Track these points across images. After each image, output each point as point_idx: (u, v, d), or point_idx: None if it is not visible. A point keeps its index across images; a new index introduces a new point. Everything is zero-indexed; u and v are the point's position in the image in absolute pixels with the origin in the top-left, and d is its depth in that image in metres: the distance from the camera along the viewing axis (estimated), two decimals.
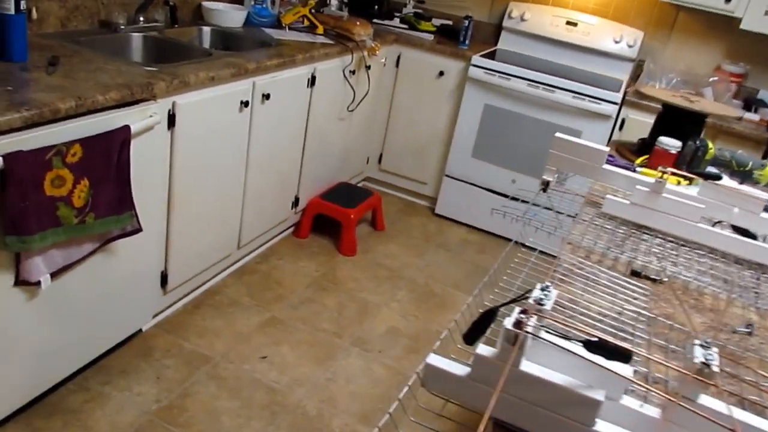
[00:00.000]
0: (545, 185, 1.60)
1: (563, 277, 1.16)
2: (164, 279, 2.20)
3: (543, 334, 0.71)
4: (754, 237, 1.48)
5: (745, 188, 1.42)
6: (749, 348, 1.07)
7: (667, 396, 0.74)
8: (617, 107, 3.20)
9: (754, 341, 1.10)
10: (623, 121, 3.26)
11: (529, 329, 0.70)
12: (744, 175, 1.89)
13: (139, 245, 1.98)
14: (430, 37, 3.63)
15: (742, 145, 3.08)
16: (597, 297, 1.12)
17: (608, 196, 1.49)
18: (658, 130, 2.09)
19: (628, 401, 0.76)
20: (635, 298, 1.16)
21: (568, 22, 3.60)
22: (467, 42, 3.56)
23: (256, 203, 2.64)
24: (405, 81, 3.61)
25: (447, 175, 3.64)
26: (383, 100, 3.67)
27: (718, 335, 1.10)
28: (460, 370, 0.77)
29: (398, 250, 3.28)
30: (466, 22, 3.51)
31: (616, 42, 3.56)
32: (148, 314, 2.19)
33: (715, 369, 0.70)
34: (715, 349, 0.73)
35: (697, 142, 1.86)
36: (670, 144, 1.87)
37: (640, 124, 3.23)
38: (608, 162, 1.76)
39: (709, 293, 1.25)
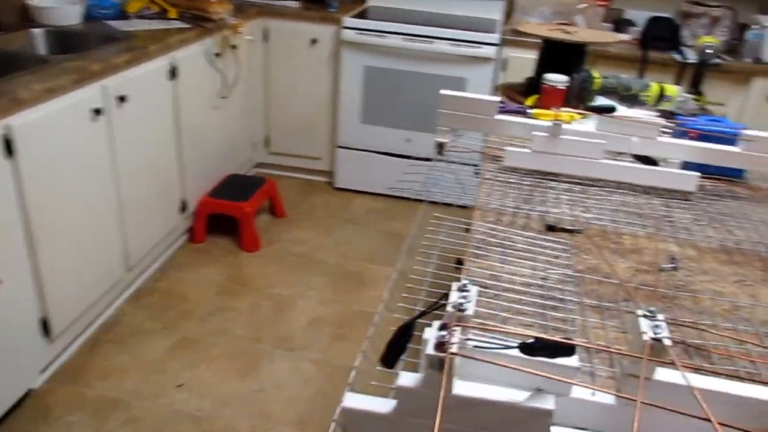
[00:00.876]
0: (440, 147, 1.50)
1: (478, 251, 1.06)
2: (46, 326, 1.94)
3: (472, 351, 0.60)
4: (655, 163, 1.44)
5: (640, 115, 1.37)
6: (678, 285, 1.02)
7: (615, 393, 0.65)
8: (497, 48, 3.14)
9: (682, 276, 1.05)
10: (506, 62, 3.21)
11: (454, 348, 0.58)
12: (631, 98, 1.86)
13: (5, 297, 1.72)
14: (296, 3, 3.42)
15: (618, 67, 3.11)
16: (518, 265, 1.03)
17: (507, 147, 1.40)
18: (542, 66, 2.02)
19: (579, 392, 0.67)
20: (556, 257, 1.07)
21: None
22: (336, 4, 3.38)
23: (137, 217, 2.40)
24: (277, 55, 3.40)
25: (339, 146, 3.50)
26: (258, 79, 3.45)
27: (646, 278, 1.03)
28: (383, 405, 0.65)
29: (305, 234, 3.12)
30: None
31: None
32: (35, 370, 1.94)
33: (668, 343, 0.62)
34: (661, 317, 0.65)
35: (583, 74, 1.81)
36: (557, 80, 1.80)
37: (523, 61, 3.19)
38: (500, 110, 1.68)
39: (626, 232, 1.18)
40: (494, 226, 1.15)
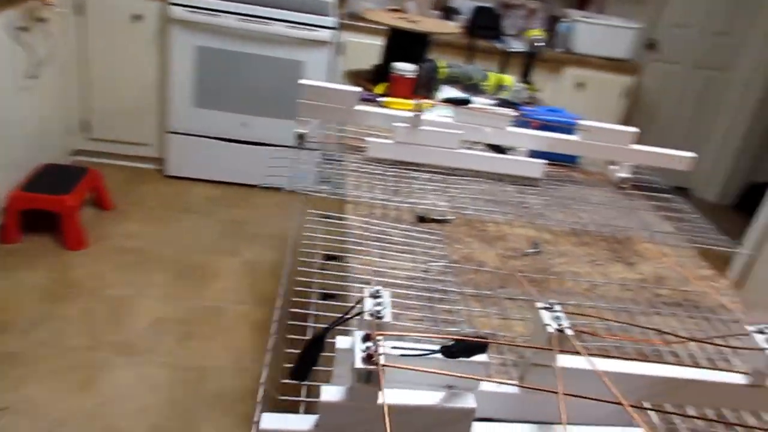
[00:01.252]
0: (301, 138, 1.46)
1: (359, 247, 1.05)
2: None
3: (400, 360, 0.59)
4: (504, 152, 1.53)
5: (493, 107, 1.44)
6: (543, 269, 1.09)
7: (519, 384, 0.68)
8: (334, 32, 3.13)
9: (544, 259, 1.13)
10: (343, 46, 3.21)
11: (382, 359, 0.57)
12: (473, 87, 1.95)
13: None
14: None
15: (448, 54, 3.25)
16: (398, 259, 1.04)
17: (369, 138, 1.40)
18: (389, 54, 2.05)
19: (486, 386, 0.69)
20: (432, 248, 1.10)
21: None
22: None
23: None
24: (95, 31, 3.09)
25: (170, 132, 3.29)
26: (74, 57, 3.12)
27: (515, 264, 1.09)
28: (303, 422, 0.62)
29: (138, 228, 2.90)
30: None
31: None
32: None
33: (570, 333, 0.66)
34: (559, 308, 0.69)
35: (430, 64, 1.86)
36: (406, 69, 1.84)
37: (361, 46, 3.22)
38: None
39: (489, 220, 1.25)
40: (369, 219, 1.15)
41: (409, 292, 0.95)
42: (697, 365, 0.89)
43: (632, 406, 0.57)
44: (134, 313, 2.35)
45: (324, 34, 3.11)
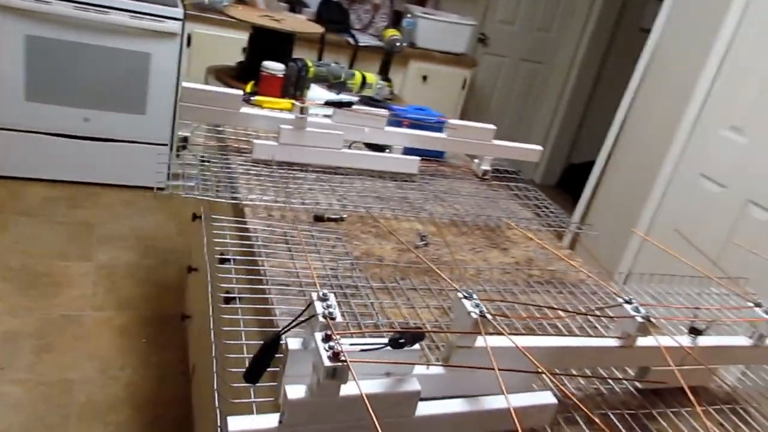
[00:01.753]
0: (184, 141, 1.45)
1: (267, 250, 1.09)
2: None
3: (358, 355, 0.66)
4: (382, 150, 1.63)
5: (370, 108, 1.53)
6: (434, 259, 1.21)
7: (449, 365, 0.79)
8: (181, 23, 3.04)
9: (433, 250, 1.25)
10: (189, 37, 3.13)
11: (346, 357, 0.63)
12: (340, 85, 2.03)
13: None
14: None
15: (300, 47, 3.30)
16: (307, 259, 1.10)
17: (256, 141, 1.43)
18: (253, 53, 2.06)
19: (416, 369, 0.78)
20: (334, 246, 1.17)
21: None
22: None
23: None
24: None
25: None
26: None
27: (409, 256, 1.20)
28: (267, 421, 0.67)
29: None
30: None
31: None
32: None
33: (490, 317, 0.77)
34: (476, 297, 0.80)
35: (299, 63, 1.91)
36: (275, 68, 1.87)
37: (206, 37, 3.16)
38: None
39: (379, 215, 1.34)
40: (270, 222, 1.19)
41: (324, 291, 1.02)
42: (585, 335, 1.05)
43: (546, 372, 0.70)
44: None
45: (172, 26, 3.01)
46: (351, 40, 3.35)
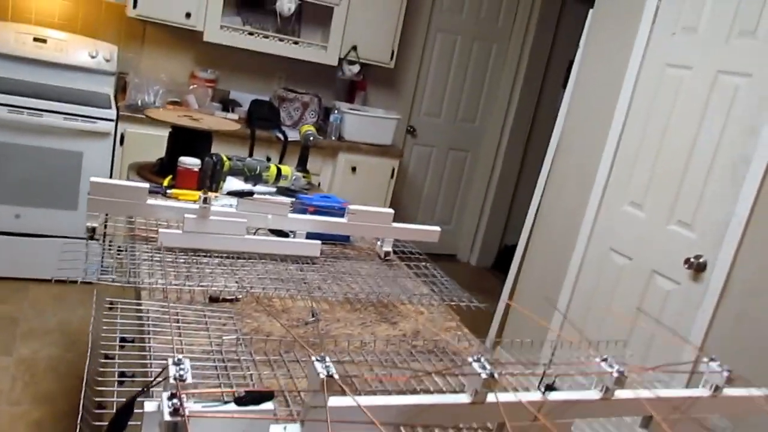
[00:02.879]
0: (92, 232, 1.53)
1: (155, 329, 1.17)
2: None
3: (203, 410, 0.74)
4: (286, 235, 1.74)
5: (273, 197, 1.65)
6: (321, 333, 1.30)
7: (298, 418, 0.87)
8: (113, 123, 3.17)
9: (323, 326, 1.34)
10: (123, 137, 3.26)
11: (188, 411, 0.71)
12: (256, 178, 2.16)
13: None
14: None
15: (232, 144, 3.46)
16: (194, 336, 1.17)
17: (161, 230, 1.52)
18: (173, 148, 2.19)
19: (274, 429, 0.86)
20: (224, 324, 1.25)
21: (35, 39, 3.34)
22: None
23: None
24: None
25: None
26: None
27: (298, 331, 1.29)
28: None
29: None
30: None
31: (92, 57, 3.48)
32: None
33: (336, 377, 0.86)
34: (329, 360, 0.89)
35: (214, 158, 2.04)
36: (191, 163, 1.99)
37: (140, 137, 3.29)
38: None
39: (275, 296, 1.43)
40: (163, 303, 1.27)
41: (206, 364, 1.09)
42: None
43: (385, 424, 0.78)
44: None
45: (103, 126, 3.13)
46: (281, 136, 3.52)
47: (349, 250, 1.85)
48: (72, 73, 3.47)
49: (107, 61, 3.52)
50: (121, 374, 1.27)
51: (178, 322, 1.21)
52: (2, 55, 3.30)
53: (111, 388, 1.00)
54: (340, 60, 3.85)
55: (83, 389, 0.95)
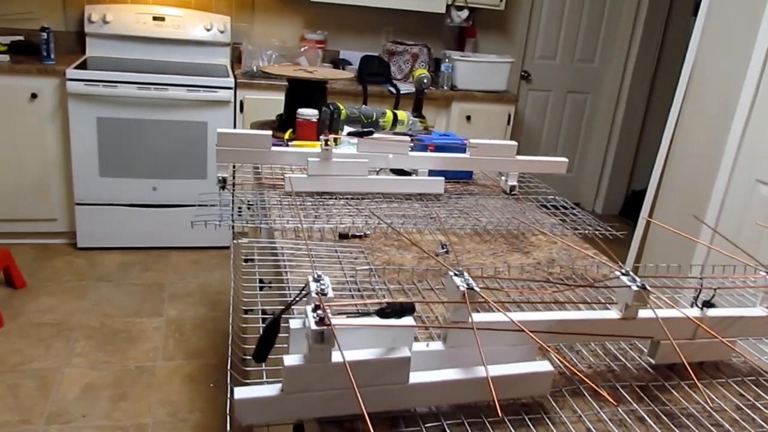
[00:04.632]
0: (223, 182, 1.58)
1: (291, 265, 1.18)
2: None
3: (347, 321, 0.73)
4: (408, 174, 1.71)
5: (392, 136, 1.63)
6: (453, 264, 1.26)
7: (445, 326, 0.84)
8: (232, 91, 3.28)
9: (453, 257, 1.30)
10: (242, 103, 3.36)
11: (333, 322, 0.70)
12: (373, 125, 2.14)
13: None
14: (4, 57, 3.14)
15: (345, 101, 3.47)
16: (328, 270, 1.18)
17: (287, 174, 1.54)
18: (290, 103, 2.21)
19: (417, 346, 0.84)
20: (356, 258, 1.24)
21: (154, 18, 3.51)
22: (52, 56, 3.19)
23: None
24: None
25: (78, 203, 3.28)
26: None
27: (429, 263, 1.26)
28: (270, 390, 0.74)
29: (55, 301, 2.87)
30: (45, 34, 3.13)
31: (208, 30, 3.61)
32: None
33: (477, 289, 0.82)
34: (467, 275, 0.85)
35: (331, 107, 2.04)
36: (309, 114, 2.00)
37: (257, 101, 3.38)
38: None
39: (403, 231, 1.41)
40: (297, 241, 1.28)
41: (342, 293, 1.09)
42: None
43: (541, 343, 0.74)
44: (62, 382, 2.33)
45: (224, 95, 3.25)
46: (392, 89, 3.50)
47: (472, 186, 1.79)
48: (190, 48, 3.62)
49: (221, 32, 3.63)
50: (263, 312, 1.31)
51: (309, 257, 1.22)
52: (125, 37, 3.50)
53: (254, 326, 1.02)
54: (448, 7, 3.74)
55: (230, 341, 0.98)
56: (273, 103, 3.39)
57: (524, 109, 4.50)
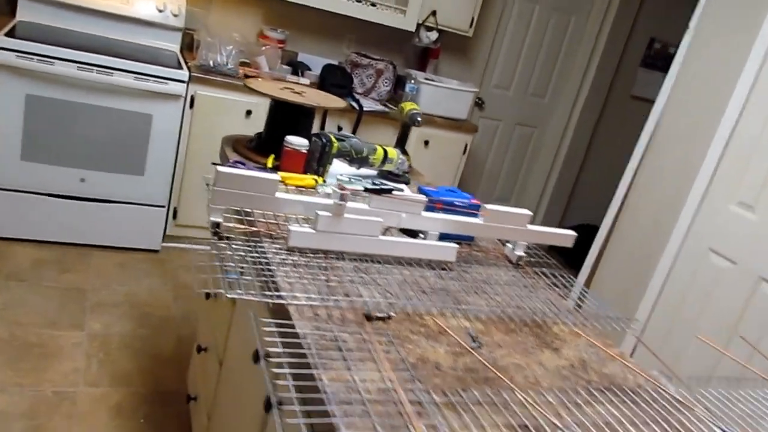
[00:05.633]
0: (216, 228, 1.38)
1: (322, 360, 1.02)
2: None
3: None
4: (416, 235, 1.58)
5: (409, 194, 1.49)
6: (489, 364, 1.14)
7: None
8: (185, 85, 3.00)
9: (487, 353, 1.18)
10: (193, 99, 3.09)
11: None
12: (362, 161, 1.99)
13: None
14: None
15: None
16: (363, 369, 1.03)
17: (292, 228, 1.36)
18: (273, 125, 2.02)
19: None
20: (388, 352, 1.10)
21: None
22: None
23: None
24: None
25: None
26: None
27: (465, 361, 1.13)
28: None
29: None
30: None
31: (160, 11, 3.30)
32: None
33: None
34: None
35: (323, 138, 1.86)
36: (298, 143, 1.82)
37: (209, 99, 3.12)
38: (234, 167, 1.64)
39: (424, 312, 1.28)
40: (317, 325, 1.12)
41: (389, 409, 0.94)
42: None
43: None
44: None
45: (175, 87, 2.96)
46: (355, 105, 3.33)
47: (476, 251, 1.68)
48: (137, 27, 3.29)
49: (175, 15, 3.33)
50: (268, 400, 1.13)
51: (340, 350, 1.06)
52: (65, 5, 3.12)
53: None
54: (418, 26, 3.62)
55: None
56: (227, 102, 3.14)
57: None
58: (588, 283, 3.25)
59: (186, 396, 2.24)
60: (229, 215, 1.44)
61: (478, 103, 4.37)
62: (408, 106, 2.23)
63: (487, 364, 1.14)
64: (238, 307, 1.67)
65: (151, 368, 2.44)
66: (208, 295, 1.99)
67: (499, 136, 4.57)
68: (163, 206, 3.20)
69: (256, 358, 1.30)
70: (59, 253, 3.06)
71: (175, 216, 3.30)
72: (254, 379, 1.38)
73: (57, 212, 3.02)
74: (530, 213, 1.61)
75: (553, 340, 1.32)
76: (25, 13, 3.10)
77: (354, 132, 3.35)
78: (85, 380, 2.29)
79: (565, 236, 1.67)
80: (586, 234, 3.51)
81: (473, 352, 1.18)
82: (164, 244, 3.36)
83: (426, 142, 3.59)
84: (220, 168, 1.34)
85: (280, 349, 1.03)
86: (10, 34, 2.74)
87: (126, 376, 2.37)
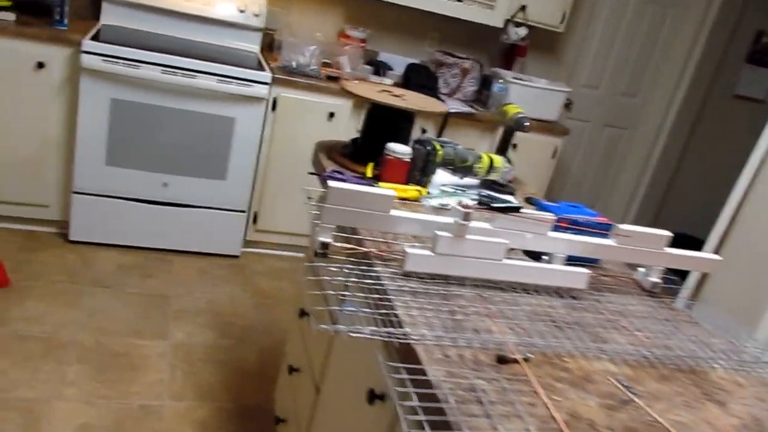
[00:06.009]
0: (324, 248, 1.25)
1: (464, 417, 0.86)
2: None
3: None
4: (538, 258, 1.41)
5: (535, 212, 1.32)
6: (649, 421, 0.97)
7: None
8: (268, 87, 2.91)
9: (643, 406, 1.00)
10: (275, 101, 3.00)
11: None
12: (466, 170, 1.83)
13: None
14: (11, 16, 2.71)
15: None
16: (506, 422, 0.87)
17: (409, 250, 1.21)
18: (370, 130, 1.88)
19: None
20: (532, 404, 0.94)
21: None
22: (65, 20, 2.77)
23: None
24: None
25: (76, 192, 2.88)
26: None
27: (621, 417, 0.96)
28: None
29: (42, 307, 2.48)
30: None
31: (241, 11, 3.23)
32: None
33: None
34: None
35: (427, 146, 1.72)
36: (401, 151, 1.68)
37: (292, 101, 3.02)
38: (334, 177, 1.53)
39: (563, 353, 1.11)
40: (451, 370, 0.97)
41: None
42: None
43: None
44: (53, 420, 1.97)
45: (259, 90, 2.88)
46: None
47: (603, 276, 1.50)
48: (218, 29, 3.22)
49: (256, 16, 3.25)
50: None
51: (480, 402, 0.91)
52: (148, 7, 3.08)
53: None
54: (506, 21, 3.42)
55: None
56: (310, 105, 3.04)
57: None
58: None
59: (274, 417, 2.13)
60: (336, 233, 1.30)
61: (566, 104, 4.13)
62: (513, 109, 2.05)
63: (651, 423, 0.97)
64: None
65: (234, 381, 2.36)
66: (302, 313, 1.87)
67: (586, 138, 4.32)
68: (243, 211, 3.13)
69: (371, 398, 1.17)
70: (141, 258, 3.03)
71: (255, 221, 3.22)
72: (367, 418, 1.24)
73: (140, 217, 2.99)
74: (670, 234, 1.41)
75: (715, 390, 1.12)
76: (108, 17, 3.08)
77: (439, 135, 3.19)
78: (170, 393, 2.23)
79: (711, 261, 1.46)
80: (681, 245, 3.21)
81: (631, 405, 1.00)
82: (244, 250, 3.29)
83: (514, 145, 3.40)
84: (332, 183, 1.21)
85: (416, 403, 0.88)
86: (95, 38, 2.71)
87: (210, 389, 2.29)
